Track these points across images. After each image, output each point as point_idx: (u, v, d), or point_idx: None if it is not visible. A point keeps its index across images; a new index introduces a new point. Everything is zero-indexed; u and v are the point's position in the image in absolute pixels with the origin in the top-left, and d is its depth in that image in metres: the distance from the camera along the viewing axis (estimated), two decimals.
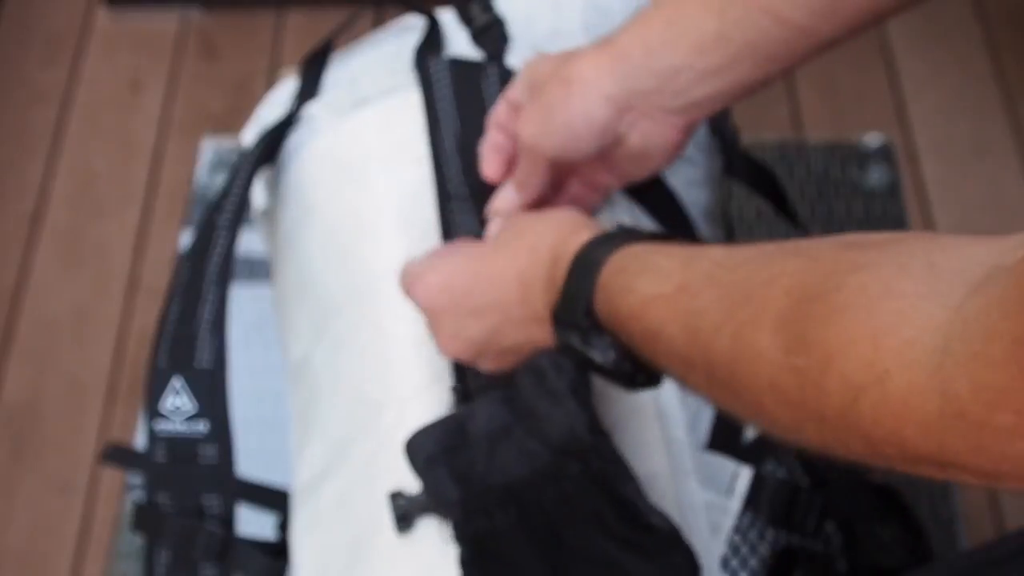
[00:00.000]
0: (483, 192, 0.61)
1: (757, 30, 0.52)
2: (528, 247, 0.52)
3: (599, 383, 0.55)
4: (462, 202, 0.62)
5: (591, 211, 0.62)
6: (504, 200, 0.60)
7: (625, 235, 0.49)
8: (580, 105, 0.55)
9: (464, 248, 0.57)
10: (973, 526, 1.06)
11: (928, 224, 1.28)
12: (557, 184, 0.61)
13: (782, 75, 0.55)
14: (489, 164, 0.61)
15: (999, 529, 1.08)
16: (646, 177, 0.61)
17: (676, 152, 0.58)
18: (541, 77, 0.57)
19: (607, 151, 0.58)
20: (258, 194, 0.75)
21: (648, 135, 0.57)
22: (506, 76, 0.65)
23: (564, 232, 0.51)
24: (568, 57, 0.57)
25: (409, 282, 0.57)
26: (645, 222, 0.66)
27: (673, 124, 0.56)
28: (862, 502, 0.62)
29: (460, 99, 0.64)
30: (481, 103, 0.64)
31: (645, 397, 0.57)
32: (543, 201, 0.60)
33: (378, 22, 1.29)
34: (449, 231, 0.61)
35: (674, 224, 0.65)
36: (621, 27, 0.56)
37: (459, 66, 0.66)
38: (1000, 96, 1.37)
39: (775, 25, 0.52)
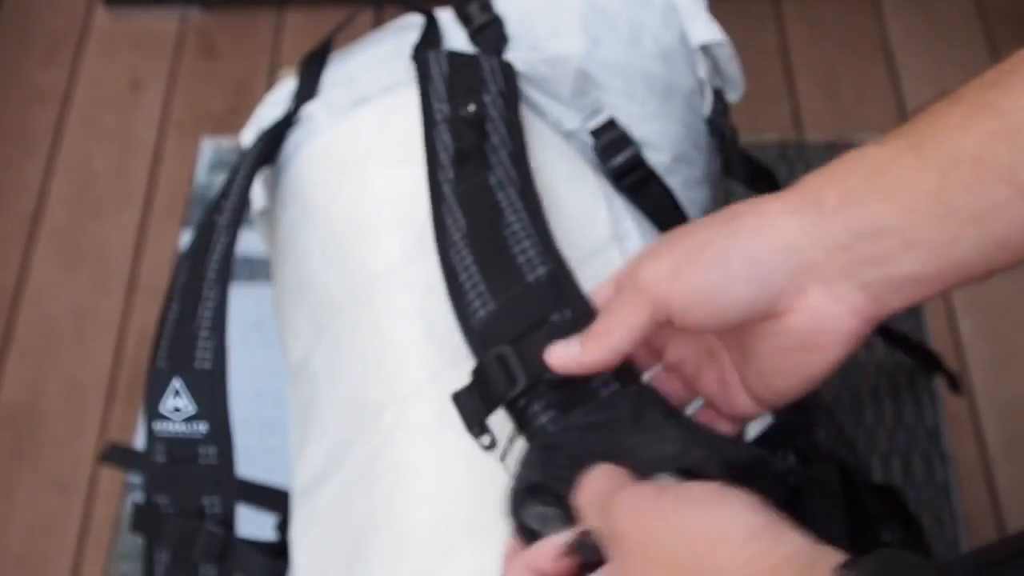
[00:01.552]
0: None
1: (989, 201, 0.40)
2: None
3: None
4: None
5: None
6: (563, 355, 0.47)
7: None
8: (748, 242, 0.44)
9: None
10: (973, 527, 1.06)
11: None
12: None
13: (1010, 266, 0.42)
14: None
15: (1000, 530, 1.08)
16: (790, 391, 0.47)
17: (849, 347, 0.44)
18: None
19: (749, 334, 0.46)
20: (257, 194, 0.75)
21: (820, 314, 0.44)
22: (505, 69, 0.65)
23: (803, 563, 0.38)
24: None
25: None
26: (644, 223, 0.65)
27: (855, 307, 0.43)
28: (862, 502, 0.62)
29: (454, 89, 0.64)
30: (478, 95, 0.64)
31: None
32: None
33: (378, 22, 1.29)
34: (443, 226, 0.60)
35: (673, 224, 0.64)
36: (811, 173, 0.45)
37: (456, 58, 0.66)
38: None
39: (1017, 198, 0.40)
